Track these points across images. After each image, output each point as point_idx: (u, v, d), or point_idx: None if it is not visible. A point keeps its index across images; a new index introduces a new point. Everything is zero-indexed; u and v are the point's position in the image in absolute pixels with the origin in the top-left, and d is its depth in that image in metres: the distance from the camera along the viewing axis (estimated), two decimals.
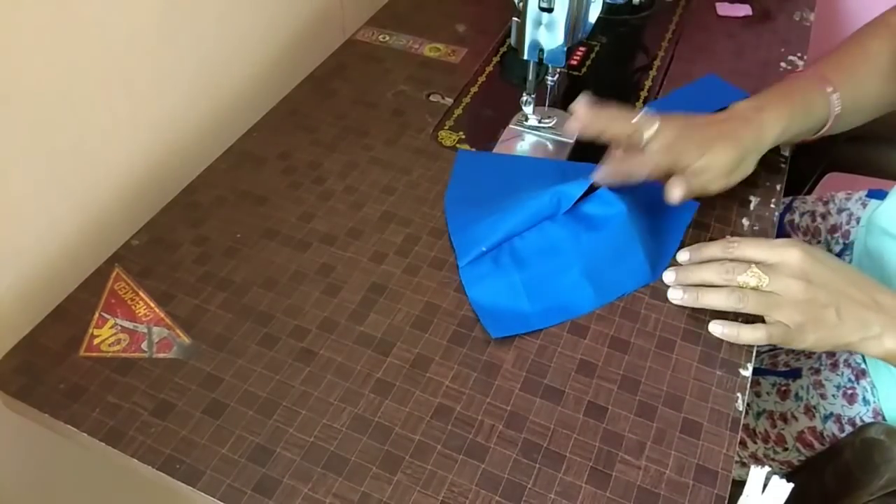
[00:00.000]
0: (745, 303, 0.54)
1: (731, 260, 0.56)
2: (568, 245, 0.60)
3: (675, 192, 0.60)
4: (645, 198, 0.65)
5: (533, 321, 0.58)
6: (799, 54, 0.87)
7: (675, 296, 0.58)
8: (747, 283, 0.55)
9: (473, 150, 0.74)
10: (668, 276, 0.59)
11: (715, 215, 0.68)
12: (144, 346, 0.57)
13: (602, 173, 0.62)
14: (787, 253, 0.54)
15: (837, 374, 0.69)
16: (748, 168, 0.63)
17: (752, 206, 0.69)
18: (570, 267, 0.59)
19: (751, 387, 0.56)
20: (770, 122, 0.62)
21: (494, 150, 0.74)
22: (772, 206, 0.69)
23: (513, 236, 0.61)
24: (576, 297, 0.59)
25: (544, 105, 0.77)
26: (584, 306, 0.59)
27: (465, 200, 0.68)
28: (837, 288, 0.54)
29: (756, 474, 0.47)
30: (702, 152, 0.60)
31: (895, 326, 0.53)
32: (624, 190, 0.62)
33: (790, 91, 0.65)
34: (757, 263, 0.55)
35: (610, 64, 0.88)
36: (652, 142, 0.61)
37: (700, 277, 0.57)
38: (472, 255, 0.61)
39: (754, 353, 0.57)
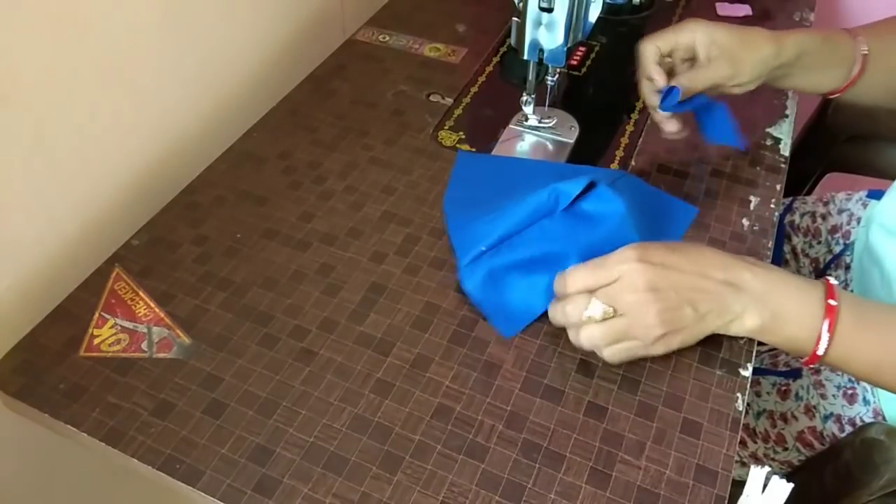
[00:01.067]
0: (594, 341, 0.52)
1: (570, 295, 0.53)
2: (565, 240, 0.60)
3: (669, 126, 0.65)
4: (643, 200, 0.65)
5: (537, 308, 0.58)
6: None
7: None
8: (592, 317, 0.52)
9: (473, 150, 0.74)
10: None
11: (715, 215, 0.68)
12: (144, 346, 0.57)
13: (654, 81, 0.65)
14: (624, 268, 0.51)
15: (838, 374, 0.69)
16: (755, 57, 0.64)
17: (752, 206, 0.69)
18: (566, 259, 0.59)
19: (751, 387, 0.56)
20: (789, 42, 0.64)
21: (494, 151, 0.74)
22: (772, 206, 0.69)
23: (511, 234, 0.61)
24: None
25: (544, 105, 0.77)
26: None
27: (464, 201, 0.68)
28: (687, 284, 0.51)
29: (756, 474, 0.47)
30: (701, 25, 0.64)
31: (755, 304, 0.52)
32: (622, 191, 0.62)
33: (810, 29, 0.68)
34: (595, 290, 0.52)
35: (610, 64, 0.88)
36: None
37: (555, 322, 0.55)
38: (471, 254, 0.61)
39: (754, 353, 0.57)
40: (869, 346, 0.52)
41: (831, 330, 0.51)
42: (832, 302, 0.51)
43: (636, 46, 0.67)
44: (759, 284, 0.52)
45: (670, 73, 0.66)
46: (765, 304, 0.52)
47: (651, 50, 0.65)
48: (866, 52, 0.66)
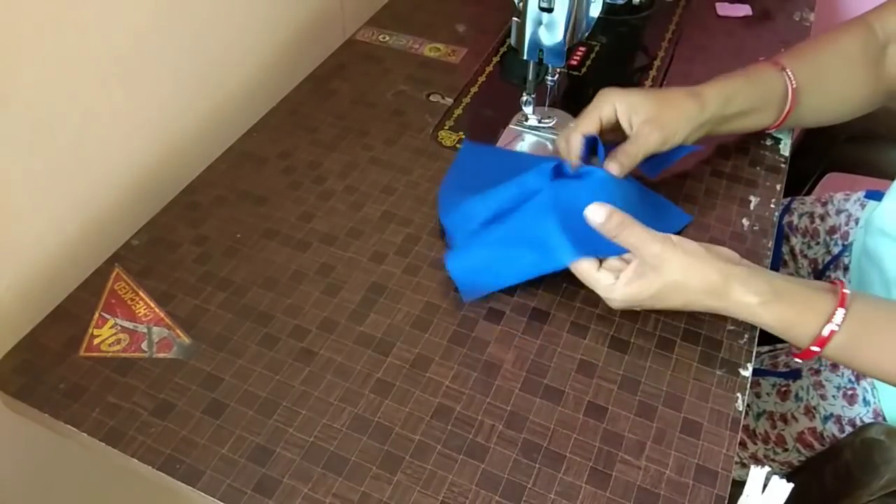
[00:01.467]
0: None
1: None
2: (547, 200, 0.59)
3: (612, 167, 0.61)
4: (639, 196, 0.65)
5: (505, 274, 0.58)
6: None
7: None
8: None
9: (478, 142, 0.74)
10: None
11: (715, 215, 0.68)
12: (144, 346, 0.57)
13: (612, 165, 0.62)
14: (609, 302, 0.55)
15: (838, 375, 0.69)
16: (679, 118, 0.62)
17: (752, 206, 0.69)
18: (545, 216, 0.58)
19: (751, 387, 0.56)
20: (708, 84, 0.64)
21: None
22: (772, 206, 0.69)
23: (502, 213, 0.61)
24: (552, 248, 0.57)
25: (544, 105, 0.77)
26: (560, 258, 0.57)
27: (459, 185, 0.68)
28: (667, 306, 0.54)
29: (756, 474, 0.47)
30: (617, 97, 0.63)
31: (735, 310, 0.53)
32: (619, 183, 0.62)
33: (734, 72, 0.67)
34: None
35: (610, 64, 0.88)
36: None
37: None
38: (463, 234, 0.61)
39: (754, 353, 0.57)
40: (879, 338, 0.52)
41: (843, 305, 0.51)
42: (845, 290, 0.51)
43: (556, 141, 0.67)
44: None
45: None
46: (774, 293, 0.52)
47: (577, 141, 0.63)
48: (795, 86, 0.66)
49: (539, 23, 0.66)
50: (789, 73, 0.66)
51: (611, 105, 0.63)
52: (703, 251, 0.52)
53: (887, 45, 0.68)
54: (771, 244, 0.65)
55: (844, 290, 0.51)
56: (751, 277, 0.51)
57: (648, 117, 0.62)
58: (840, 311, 0.50)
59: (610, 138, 0.64)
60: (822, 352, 0.52)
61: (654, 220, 0.62)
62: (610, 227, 0.52)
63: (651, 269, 0.52)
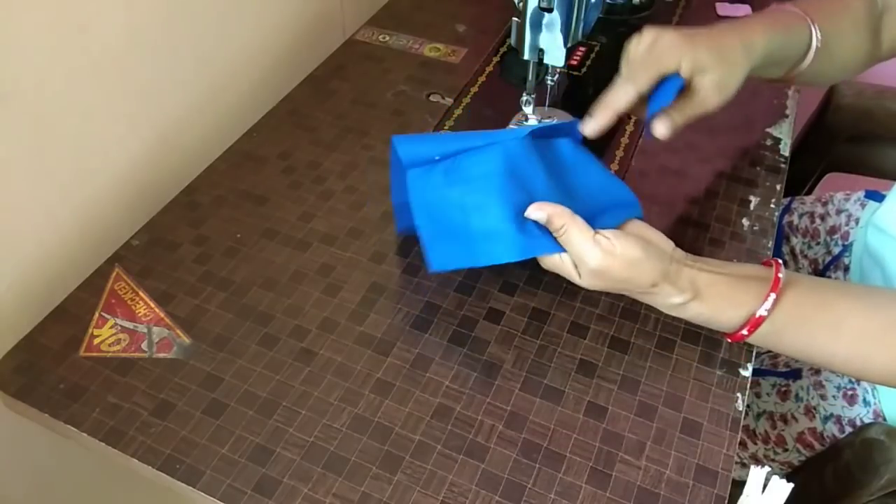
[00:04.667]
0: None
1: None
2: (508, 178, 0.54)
3: (660, 128, 0.56)
4: (597, 176, 0.60)
5: (477, 260, 0.54)
6: None
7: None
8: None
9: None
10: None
11: (715, 215, 0.68)
12: (144, 346, 0.57)
13: (590, 124, 0.58)
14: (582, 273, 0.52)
15: (838, 375, 0.69)
16: (736, 79, 0.58)
17: (752, 206, 0.69)
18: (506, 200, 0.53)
19: (751, 387, 0.56)
20: (757, 29, 0.59)
21: None
22: (772, 206, 0.69)
23: (468, 149, 0.56)
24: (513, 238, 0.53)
25: (544, 105, 0.77)
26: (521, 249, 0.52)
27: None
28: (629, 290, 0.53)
29: (756, 474, 0.47)
30: (682, 52, 0.55)
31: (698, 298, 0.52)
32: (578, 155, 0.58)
33: (772, 14, 0.63)
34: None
35: (610, 64, 0.87)
36: (631, 49, 0.57)
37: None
38: (421, 162, 0.56)
39: (754, 353, 0.57)
40: (807, 327, 0.53)
41: (776, 291, 0.51)
42: (780, 274, 0.52)
43: (614, 80, 0.59)
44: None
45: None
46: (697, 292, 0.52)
47: (627, 99, 0.57)
48: (818, 47, 0.62)
49: (539, 23, 0.66)
50: (817, 30, 0.62)
51: (676, 61, 0.56)
52: (641, 254, 0.50)
53: (883, 13, 0.67)
54: (771, 244, 0.65)
55: (779, 275, 0.52)
56: (679, 276, 0.52)
57: (714, 82, 0.56)
58: (771, 297, 0.51)
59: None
60: (748, 338, 0.53)
61: (603, 199, 0.57)
62: (551, 229, 0.52)
63: (596, 275, 0.51)
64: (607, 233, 0.51)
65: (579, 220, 0.51)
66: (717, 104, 0.58)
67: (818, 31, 0.62)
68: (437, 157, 0.56)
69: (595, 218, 0.53)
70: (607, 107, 0.58)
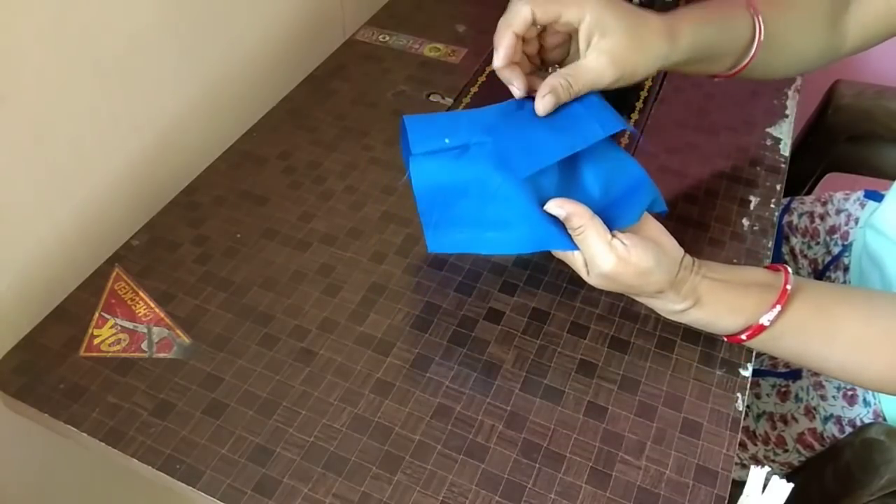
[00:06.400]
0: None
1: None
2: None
3: (539, 105, 0.52)
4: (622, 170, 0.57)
5: (479, 247, 0.53)
6: None
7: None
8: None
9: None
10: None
11: (715, 215, 0.68)
12: (144, 346, 0.57)
13: (497, 57, 0.53)
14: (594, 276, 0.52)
15: None
16: (645, 61, 0.53)
17: (751, 206, 0.69)
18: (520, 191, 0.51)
19: (750, 388, 0.56)
20: (687, 19, 0.55)
21: None
22: (772, 206, 0.69)
23: (481, 131, 0.53)
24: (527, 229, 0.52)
25: None
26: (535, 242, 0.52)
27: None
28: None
29: (756, 474, 0.47)
30: (589, 4, 0.50)
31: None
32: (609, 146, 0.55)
33: (712, 4, 0.58)
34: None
35: None
36: None
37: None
38: (429, 145, 0.53)
39: (754, 354, 0.57)
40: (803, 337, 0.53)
41: (783, 303, 0.51)
42: (788, 286, 0.52)
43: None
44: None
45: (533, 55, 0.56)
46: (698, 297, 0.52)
47: (524, 17, 0.51)
48: (761, 40, 0.59)
49: None
50: (760, 22, 0.58)
51: (578, 13, 0.51)
52: (653, 264, 0.50)
53: (849, 3, 0.63)
54: (771, 244, 0.65)
55: (787, 286, 0.51)
56: (683, 285, 0.52)
57: (612, 48, 0.51)
58: (776, 309, 0.51)
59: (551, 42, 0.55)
60: (746, 342, 0.53)
61: (622, 193, 0.56)
62: (568, 227, 0.51)
63: (606, 277, 0.51)
64: (624, 237, 0.50)
65: (598, 223, 0.50)
66: (610, 79, 0.52)
67: (762, 24, 0.58)
68: (446, 140, 0.53)
69: (611, 207, 0.52)
70: (507, 27, 0.52)
